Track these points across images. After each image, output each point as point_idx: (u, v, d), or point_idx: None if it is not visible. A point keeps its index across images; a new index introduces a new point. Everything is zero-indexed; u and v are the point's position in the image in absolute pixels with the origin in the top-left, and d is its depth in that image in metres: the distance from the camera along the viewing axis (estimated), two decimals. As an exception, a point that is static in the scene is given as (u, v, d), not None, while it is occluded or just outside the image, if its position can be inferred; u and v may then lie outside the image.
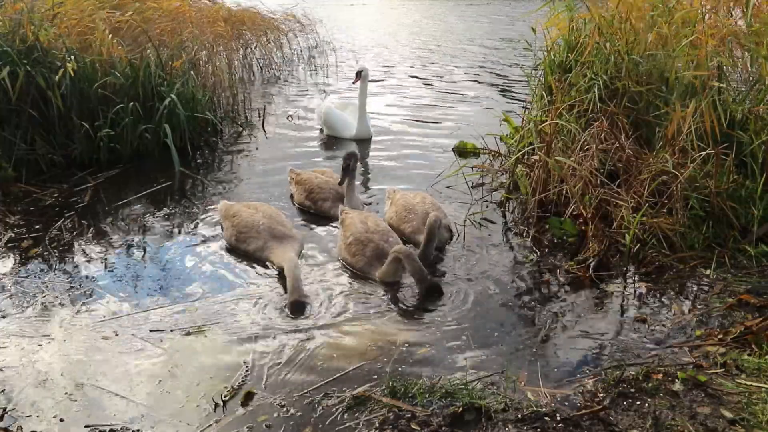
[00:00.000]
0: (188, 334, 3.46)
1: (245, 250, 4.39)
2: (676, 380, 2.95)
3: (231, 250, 4.49)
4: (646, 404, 2.82)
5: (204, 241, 4.67)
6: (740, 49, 5.10)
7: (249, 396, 2.94)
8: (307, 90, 10.50)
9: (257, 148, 7.07)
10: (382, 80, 11.22)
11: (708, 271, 4.02)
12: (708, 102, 4.44)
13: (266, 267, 4.25)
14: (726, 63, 4.95)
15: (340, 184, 5.08)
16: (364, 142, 7.24)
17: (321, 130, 7.69)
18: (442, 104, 9.35)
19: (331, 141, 7.41)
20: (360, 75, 7.02)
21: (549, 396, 2.91)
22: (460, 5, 29.42)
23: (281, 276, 4.11)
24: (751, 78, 5.01)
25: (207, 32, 8.21)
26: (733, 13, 5.12)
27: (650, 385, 2.93)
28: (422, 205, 4.70)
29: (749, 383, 2.92)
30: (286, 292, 3.88)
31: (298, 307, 3.69)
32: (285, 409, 2.86)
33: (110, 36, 6.35)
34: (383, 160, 6.70)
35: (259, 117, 8.21)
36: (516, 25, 19.93)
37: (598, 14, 5.27)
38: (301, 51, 12.95)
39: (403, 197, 4.91)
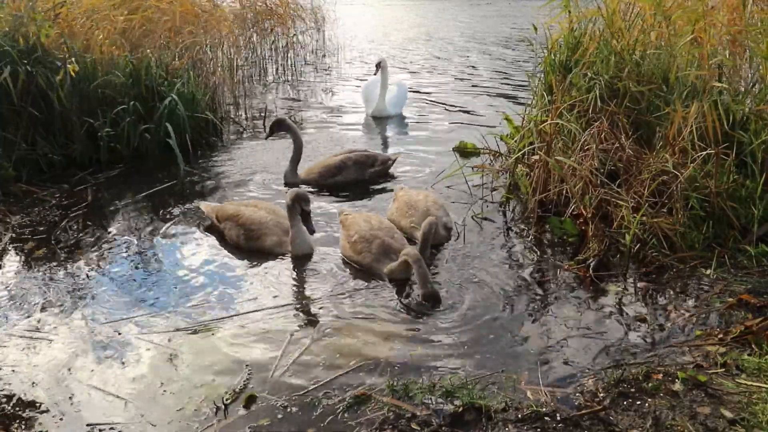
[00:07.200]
0: (191, 334, 3.47)
1: (259, 247, 4.35)
2: (676, 380, 2.96)
3: (233, 249, 4.49)
4: (646, 404, 2.82)
5: (205, 241, 4.67)
6: (740, 48, 5.10)
7: (251, 399, 2.93)
8: (309, 90, 10.49)
9: (258, 148, 7.06)
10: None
11: (708, 271, 4.03)
12: (709, 102, 4.44)
13: (268, 267, 4.25)
14: (727, 63, 4.94)
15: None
16: (382, 119, 8.30)
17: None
18: (443, 104, 9.34)
19: (333, 140, 7.41)
20: (379, 66, 8.09)
21: (549, 396, 2.91)
22: (459, 4, 29.41)
23: (285, 277, 4.12)
24: (756, 77, 5.00)
25: (213, 31, 8.22)
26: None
27: (650, 385, 2.93)
28: (424, 203, 4.72)
29: (749, 383, 2.93)
30: (287, 293, 3.89)
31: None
32: (287, 410, 2.87)
33: (106, 40, 6.34)
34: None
35: (260, 117, 8.21)
36: (517, 23, 19.93)
37: (607, 11, 5.23)
38: (303, 50, 12.95)
39: (406, 194, 4.94)
